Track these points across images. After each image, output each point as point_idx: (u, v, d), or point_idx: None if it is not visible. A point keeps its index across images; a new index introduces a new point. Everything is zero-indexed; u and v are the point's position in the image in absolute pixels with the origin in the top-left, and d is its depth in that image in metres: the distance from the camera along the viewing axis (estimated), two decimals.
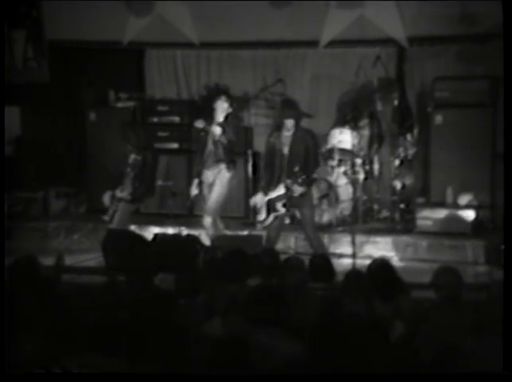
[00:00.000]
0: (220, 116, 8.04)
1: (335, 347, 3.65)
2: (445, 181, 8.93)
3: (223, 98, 8.05)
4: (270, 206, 7.38)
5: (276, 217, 7.44)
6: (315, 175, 7.34)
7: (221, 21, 9.93)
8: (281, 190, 7.32)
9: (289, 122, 7.26)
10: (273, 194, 7.36)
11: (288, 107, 7.44)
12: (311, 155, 7.29)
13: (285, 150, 7.33)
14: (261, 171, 8.09)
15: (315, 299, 5.22)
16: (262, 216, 7.48)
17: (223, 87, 8.57)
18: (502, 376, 3.82)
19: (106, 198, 8.24)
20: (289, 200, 7.30)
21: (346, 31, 9.55)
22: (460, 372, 3.77)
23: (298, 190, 7.21)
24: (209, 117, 8.15)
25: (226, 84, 8.91)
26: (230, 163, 8.08)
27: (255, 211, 7.68)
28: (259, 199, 7.51)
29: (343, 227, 8.71)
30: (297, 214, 7.84)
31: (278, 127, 7.40)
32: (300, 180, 7.11)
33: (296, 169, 7.15)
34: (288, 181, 7.24)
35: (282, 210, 7.38)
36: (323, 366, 3.63)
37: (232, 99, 8.11)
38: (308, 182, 7.26)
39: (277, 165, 7.37)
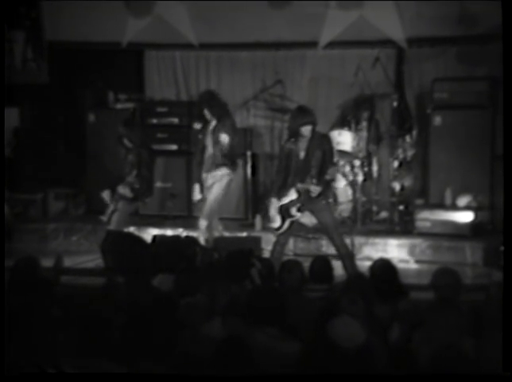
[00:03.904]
0: (213, 118, 8.04)
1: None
2: (444, 182, 8.92)
3: (205, 109, 8.06)
4: (284, 212, 7.24)
5: (292, 223, 7.30)
6: (328, 177, 7.16)
7: (220, 22, 9.93)
8: (292, 195, 7.19)
9: (306, 130, 7.16)
10: (285, 200, 7.21)
11: (304, 113, 7.30)
12: (328, 160, 7.19)
13: (301, 155, 7.21)
14: (273, 176, 7.87)
15: (312, 301, 5.24)
16: (277, 223, 7.34)
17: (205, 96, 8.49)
18: (501, 377, 3.82)
19: (106, 194, 8.26)
20: (304, 204, 7.18)
21: (345, 32, 9.54)
22: (459, 373, 3.77)
23: (316, 190, 7.08)
24: (202, 120, 8.17)
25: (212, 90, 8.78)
26: (230, 166, 8.07)
27: (269, 218, 7.47)
28: (273, 205, 7.31)
29: (342, 228, 8.68)
30: (307, 220, 7.70)
31: (295, 133, 7.27)
32: (315, 180, 6.99)
33: (313, 173, 7.04)
34: (300, 186, 7.12)
35: (298, 215, 7.23)
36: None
37: (216, 100, 8.08)
38: (324, 182, 7.12)
39: (292, 170, 7.24)
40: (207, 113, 8.05)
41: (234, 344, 3.89)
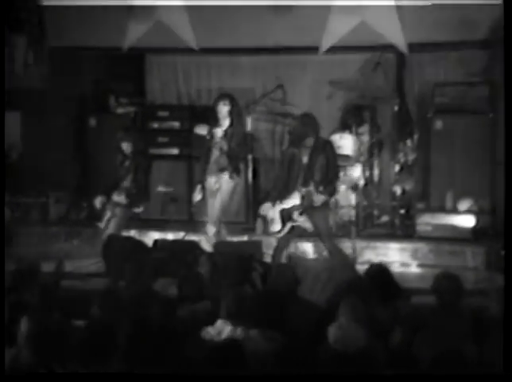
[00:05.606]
0: (225, 121, 8.09)
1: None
2: (445, 186, 8.93)
3: (223, 101, 8.09)
4: (285, 216, 7.23)
5: (293, 227, 7.30)
6: (334, 186, 7.19)
7: (221, 26, 9.92)
8: (296, 200, 7.19)
9: (309, 140, 7.18)
10: (287, 204, 7.20)
11: (307, 124, 7.28)
12: (331, 165, 7.20)
13: (304, 160, 7.23)
14: (274, 181, 7.89)
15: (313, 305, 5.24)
16: (277, 226, 7.32)
17: (224, 92, 8.57)
18: (501, 377, 3.83)
19: (98, 202, 8.27)
20: (305, 209, 7.16)
21: (346, 37, 9.54)
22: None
23: (319, 199, 7.10)
24: (212, 121, 8.21)
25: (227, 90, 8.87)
26: (234, 171, 8.09)
27: (265, 220, 7.48)
28: (268, 208, 7.31)
29: (343, 232, 8.69)
30: (308, 225, 7.69)
31: (298, 142, 7.28)
32: (321, 189, 7.00)
33: (316, 178, 7.06)
34: (304, 190, 7.12)
35: (300, 219, 7.23)
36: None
37: (233, 102, 8.14)
38: (329, 192, 7.15)
39: (294, 175, 7.25)
40: (219, 109, 8.05)
41: (232, 348, 3.89)
